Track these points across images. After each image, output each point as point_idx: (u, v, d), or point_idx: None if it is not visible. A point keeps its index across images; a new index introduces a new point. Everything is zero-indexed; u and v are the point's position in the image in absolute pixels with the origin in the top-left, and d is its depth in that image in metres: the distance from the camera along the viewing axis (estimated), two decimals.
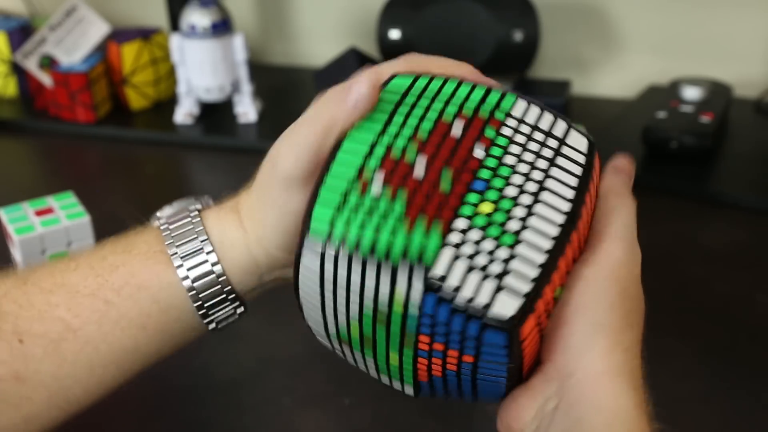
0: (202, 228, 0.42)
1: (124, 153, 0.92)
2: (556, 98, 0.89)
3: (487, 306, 0.33)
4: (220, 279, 0.41)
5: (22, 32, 1.00)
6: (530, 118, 0.39)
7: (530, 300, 0.34)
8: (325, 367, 0.57)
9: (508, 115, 0.39)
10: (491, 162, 0.37)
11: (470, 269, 0.34)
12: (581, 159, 0.38)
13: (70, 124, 0.95)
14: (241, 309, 0.42)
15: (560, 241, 0.35)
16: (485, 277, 0.34)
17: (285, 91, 1.03)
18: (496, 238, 0.35)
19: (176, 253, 0.41)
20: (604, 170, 0.41)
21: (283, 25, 1.12)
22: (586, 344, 0.35)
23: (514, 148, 0.37)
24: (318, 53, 1.10)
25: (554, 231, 0.35)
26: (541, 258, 0.35)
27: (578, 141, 0.38)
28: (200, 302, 0.41)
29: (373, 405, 0.50)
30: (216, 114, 0.96)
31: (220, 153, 0.90)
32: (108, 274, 0.40)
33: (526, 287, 0.34)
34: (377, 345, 0.37)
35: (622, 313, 0.36)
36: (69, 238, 0.64)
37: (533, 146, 0.38)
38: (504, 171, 0.36)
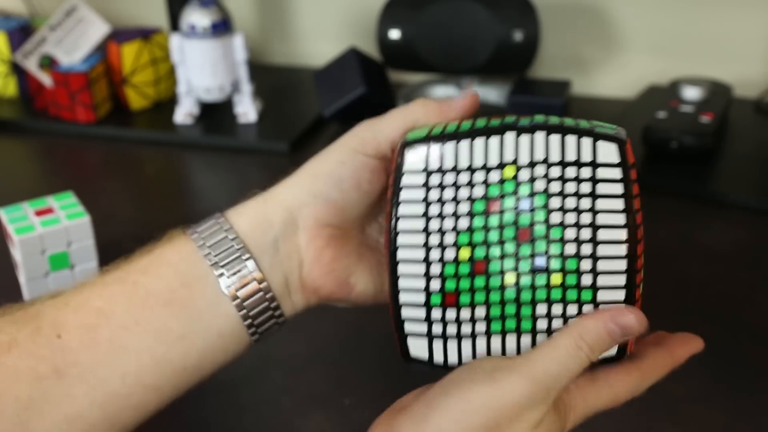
0: (220, 213, 0.45)
1: (124, 153, 0.92)
2: (556, 98, 0.89)
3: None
4: (232, 239, 0.43)
5: (22, 32, 1.00)
6: (554, 155, 0.38)
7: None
8: (325, 367, 0.57)
9: (533, 163, 0.38)
10: (540, 230, 0.38)
11: None
12: (618, 174, 0.37)
13: (70, 124, 0.95)
14: (253, 264, 0.43)
15: (631, 267, 0.38)
16: None
17: (285, 91, 1.03)
18: (577, 301, 0.38)
19: (194, 232, 0.44)
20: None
21: (283, 25, 1.12)
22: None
23: (555, 202, 0.38)
24: (318, 53, 1.10)
25: (623, 264, 0.38)
26: (621, 294, 0.38)
27: (608, 152, 0.38)
28: (215, 262, 0.43)
29: (373, 405, 0.50)
30: (216, 114, 0.96)
31: (220, 153, 0.90)
32: (136, 261, 0.43)
33: None
34: None
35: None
36: (69, 238, 0.64)
37: (570, 188, 0.38)
38: (556, 233, 0.38)
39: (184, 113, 0.95)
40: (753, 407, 0.52)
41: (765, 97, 0.92)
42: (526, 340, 0.39)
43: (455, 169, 0.38)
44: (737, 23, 0.94)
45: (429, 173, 0.39)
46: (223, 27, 0.90)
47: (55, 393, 0.39)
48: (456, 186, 0.38)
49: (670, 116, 0.82)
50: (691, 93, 0.85)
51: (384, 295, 0.44)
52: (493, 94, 0.97)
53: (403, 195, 0.39)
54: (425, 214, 0.39)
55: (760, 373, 0.55)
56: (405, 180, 0.39)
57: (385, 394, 0.44)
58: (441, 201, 0.39)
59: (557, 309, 0.38)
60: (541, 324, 0.38)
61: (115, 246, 0.71)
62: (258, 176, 0.85)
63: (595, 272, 0.37)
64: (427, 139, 0.39)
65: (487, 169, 0.38)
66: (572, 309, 0.38)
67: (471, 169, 0.38)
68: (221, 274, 0.43)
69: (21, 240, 0.62)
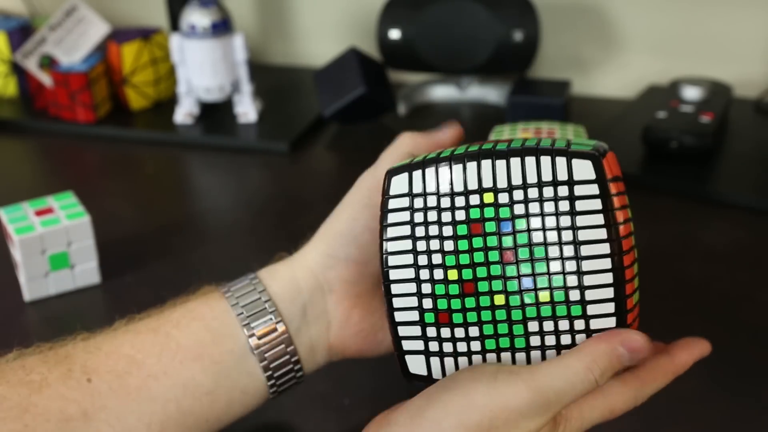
0: (253, 274, 0.47)
1: (124, 153, 0.92)
2: (556, 98, 0.89)
3: None
4: (265, 301, 0.45)
5: (22, 32, 1.00)
6: (531, 177, 0.39)
7: None
8: (325, 367, 0.57)
9: (512, 188, 0.39)
10: (523, 252, 0.38)
11: (559, 352, 0.39)
12: (594, 190, 0.38)
13: (70, 124, 0.95)
14: (283, 327, 0.45)
15: (618, 278, 0.38)
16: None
17: (285, 91, 1.03)
18: (567, 316, 0.38)
19: (228, 291, 0.46)
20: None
21: (283, 25, 1.12)
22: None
23: (535, 222, 0.38)
24: (318, 53, 1.10)
25: (609, 277, 0.38)
26: (611, 307, 0.38)
27: (583, 169, 0.38)
28: (247, 323, 0.44)
29: (373, 405, 0.50)
30: (216, 114, 0.96)
31: (220, 153, 0.90)
32: (169, 313, 0.45)
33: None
34: None
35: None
36: (69, 238, 0.64)
37: (549, 207, 0.38)
38: (539, 252, 0.38)
39: (184, 113, 0.95)
40: (753, 407, 0.52)
41: (765, 97, 0.92)
42: (520, 356, 0.39)
43: (437, 193, 0.40)
44: (737, 23, 0.94)
45: (413, 196, 0.40)
46: (223, 27, 0.90)
47: None
48: (439, 209, 0.39)
49: (670, 116, 0.82)
50: (691, 93, 0.85)
51: None
52: (493, 94, 0.97)
53: (390, 218, 0.40)
54: (412, 235, 0.40)
55: (759, 373, 0.55)
56: (391, 203, 0.41)
57: (385, 394, 0.44)
58: (426, 222, 0.40)
59: (549, 325, 0.39)
60: (534, 341, 0.39)
61: (115, 246, 0.71)
62: (258, 176, 0.85)
63: (582, 287, 0.38)
64: (410, 166, 0.41)
65: (466, 193, 0.39)
66: (564, 324, 0.38)
67: (452, 194, 0.39)
68: (252, 335, 0.44)
69: (21, 240, 0.62)
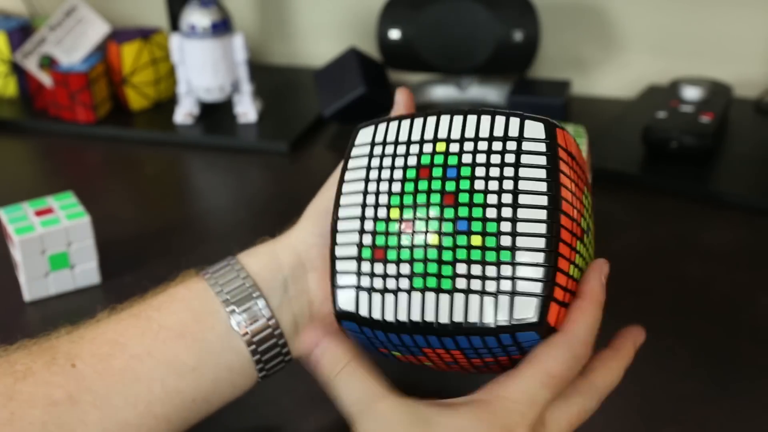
0: (233, 256, 0.47)
1: (124, 153, 0.92)
2: (556, 98, 0.89)
3: (511, 318, 0.38)
4: (243, 277, 0.45)
5: (22, 32, 1.00)
6: (484, 132, 0.41)
7: (546, 296, 0.38)
8: None
9: (463, 139, 0.41)
10: (464, 197, 0.40)
11: (483, 296, 0.39)
12: (542, 147, 0.40)
13: (70, 124, 0.95)
14: (263, 303, 0.45)
15: (552, 232, 0.39)
16: (499, 294, 0.39)
17: (285, 91, 1.03)
18: (496, 262, 0.39)
19: (207, 273, 0.46)
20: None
21: (283, 25, 1.12)
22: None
23: (480, 170, 0.40)
24: (318, 53, 1.10)
25: (543, 228, 0.39)
26: (540, 257, 0.39)
27: (535, 129, 0.41)
28: (226, 299, 0.44)
29: None
30: (216, 114, 0.96)
31: (220, 153, 0.90)
32: (150, 299, 0.45)
33: (537, 287, 0.38)
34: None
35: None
36: (69, 238, 0.64)
37: (495, 158, 0.40)
38: (478, 198, 0.40)
39: (184, 113, 0.95)
40: (752, 407, 0.52)
41: (765, 97, 0.92)
42: (444, 298, 0.40)
43: (395, 142, 0.42)
44: (737, 23, 0.94)
45: (373, 145, 0.43)
46: (223, 27, 0.90)
47: (69, 419, 0.40)
48: (394, 155, 0.42)
49: (670, 116, 0.82)
50: (691, 93, 0.85)
51: None
52: (493, 94, 0.97)
53: (351, 164, 0.43)
54: (366, 178, 0.42)
55: (759, 373, 0.55)
56: (354, 151, 0.44)
57: None
58: (380, 167, 0.42)
59: (476, 269, 0.39)
60: (460, 283, 0.39)
61: (115, 246, 0.71)
62: (258, 176, 0.85)
63: (514, 233, 0.39)
64: (378, 120, 0.44)
65: (422, 142, 0.42)
66: (491, 270, 0.39)
67: (408, 143, 0.42)
68: (232, 311, 0.44)
69: (21, 240, 0.62)
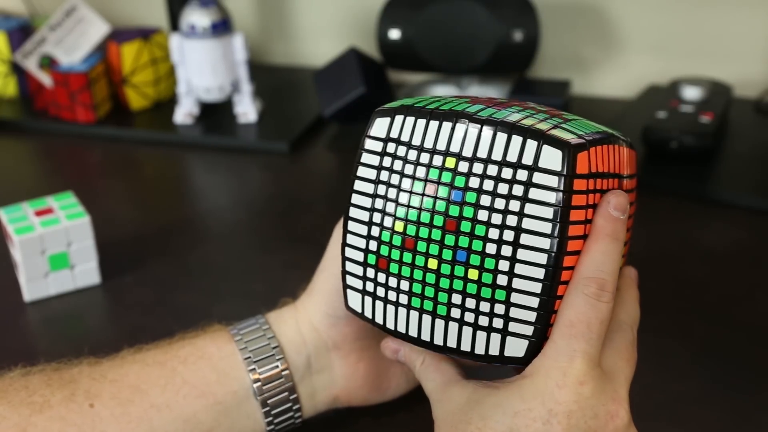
0: (262, 317, 0.48)
1: (124, 153, 0.92)
2: (556, 98, 0.89)
3: (501, 354, 0.39)
4: (273, 347, 0.46)
5: (22, 32, 1.00)
6: (497, 153, 0.38)
7: (537, 339, 0.38)
8: None
9: (474, 158, 0.38)
10: (466, 226, 0.38)
11: (476, 329, 0.39)
12: (554, 182, 0.37)
13: (70, 124, 0.95)
14: (289, 375, 0.46)
15: (551, 277, 0.37)
16: (491, 331, 0.39)
17: (285, 91, 1.03)
18: (490, 299, 0.38)
19: (237, 332, 0.46)
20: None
21: (283, 25, 1.12)
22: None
23: (485, 199, 0.38)
24: (318, 53, 1.10)
25: (541, 273, 0.37)
26: (535, 302, 0.38)
27: (551, 157, 0.37)
28: (253, 368, 0.45)
29: (373, 405, 0.50)
30: (216, 114, 0.96)
31: (220, 153, 0.90)
32: (177, 348, 0.45)
33: (529, 330, 0.38)
34: None
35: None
36: (69, 238, 0.64)
37: (503, 188, 0.38)
38: (480, 230, 0.38)
39: (184, 113, 0.95)
40: (752, 407, 0.52)
41: (765, 97, 0.92)
42: (439, 323, 0.40)
43: (408, 144, 0.40)
44: (737, 23, 0.94)
45: (387, 141, 0.41)
46: (223, 27, 0.90)
47: None
48: (405, 160, 0.40)
49: (670, 116, 0.82)
50: (691, 93, 0.85)
51: (416, 381, 0.46)
52: (493, 93, 0.97)
53: (365, 158, 0.42)
54: (377, 179, 0.41)
55: (759, 373, 0.55)
56: (368, 144, 0.42)
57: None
58: (392, 170, 0.41)
59: (471, 303, 0.39)
60: (455, 313, 0.39)
61: (115, 246, 0.71)
62: (258, 176, 0.85)
63: (511, 274, 0.38)
64: (395, 110, 0.41)
65: (433, 152, 0.39)
66: (485, 306, 0.38)
67: (421, 149, 0.40)
68: (257, 380, 0.45)
69: (21, 240, 0.62)
